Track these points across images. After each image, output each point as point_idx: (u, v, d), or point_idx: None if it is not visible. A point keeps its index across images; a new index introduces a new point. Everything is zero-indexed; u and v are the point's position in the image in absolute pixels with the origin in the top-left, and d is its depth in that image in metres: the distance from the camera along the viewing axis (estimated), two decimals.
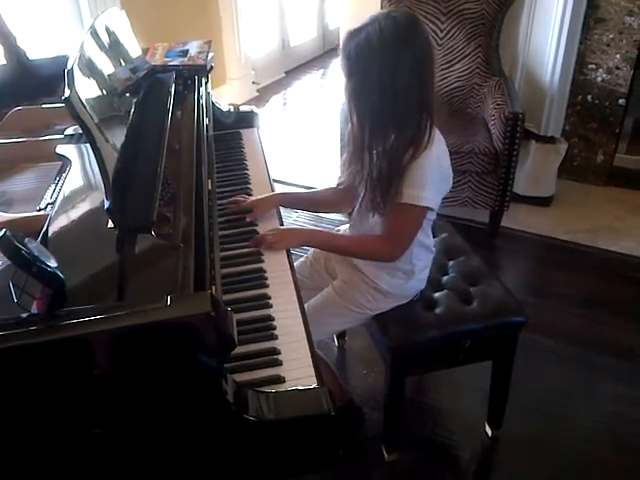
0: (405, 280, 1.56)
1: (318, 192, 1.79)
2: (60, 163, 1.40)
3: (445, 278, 1.72)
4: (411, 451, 1.77)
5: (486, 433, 1.82)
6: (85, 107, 1.09)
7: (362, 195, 1.49)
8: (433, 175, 1.37)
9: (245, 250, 1.41)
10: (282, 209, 1.63)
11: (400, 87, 1.29)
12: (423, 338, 1.55)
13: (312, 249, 1.76)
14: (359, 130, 1.38)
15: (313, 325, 1.23)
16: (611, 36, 2.92)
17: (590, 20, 2.92)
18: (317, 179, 3.16)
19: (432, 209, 1.43)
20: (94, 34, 1.42)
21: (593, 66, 3.01)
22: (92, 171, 1.30)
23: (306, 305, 1.41)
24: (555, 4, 2.82)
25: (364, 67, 1.30)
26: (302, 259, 1.76)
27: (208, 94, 1.80)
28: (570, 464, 1.75)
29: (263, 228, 1.50)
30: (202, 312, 0.84)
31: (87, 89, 1.18)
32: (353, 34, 1.31)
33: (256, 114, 2.07)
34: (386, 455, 1.73)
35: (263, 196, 1.60)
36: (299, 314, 1.22)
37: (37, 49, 1.88)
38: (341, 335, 2.15)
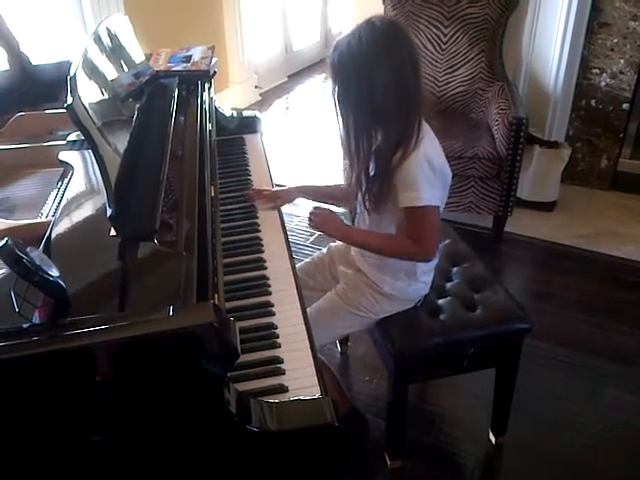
0: (408, 283, 1.55)
1: (332, 186, 1.83)
2: (62, 169, 1.39)
3: (449, 284, 1.71)
4: (414, 458, 1.75)
5: (490, 440, 1.80)
6: (88, 113, 1.08)
7: (357, 196, 1.50)
8: (424, 174, 1.37)
9: (248, 257, 1.41)
10: (285, 212, 1.67)
11: (379, 92, 1.32)
12: (427, 345, 1.54)
13: (317, 252, 1.79)
14: (346, 135, 1.42)
15: (316, 329, 1.23)
16: (615, 40, 2.91)
17: (594, 24, 2.91)
18: (320, 184, 3.15)
19: (436, 206, 1.42)
20: (97, 40, 1.42)
21: (597, 71, 3.00)
22: (94, 178, 1.29)
23: (309, 309, 1.42)
24: (559, 8, 2.81)
25: (344, 74, 1.35)
26: (308, 259, 1.77)
27: (211, 99, 1.80)
28: (574, 472, 1.74)
29: (265, 231, 1.52)
30: (205, 323, 0.83)
31: (90, 95, 1.17)
32: (337, 44, 1.36)
33: (259, 119, 2.06)
34: (389, 462, 1.72)
35: (285, 187, 1.74)
36: (302, 322, 1.21)
37: (40, 54, 1.88)
38: (344, 341, 2.14)
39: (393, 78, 1.32)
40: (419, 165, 1.36)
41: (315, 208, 1.58)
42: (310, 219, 1.56)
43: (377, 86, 1.31)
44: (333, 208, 1.63)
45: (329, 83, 1.41)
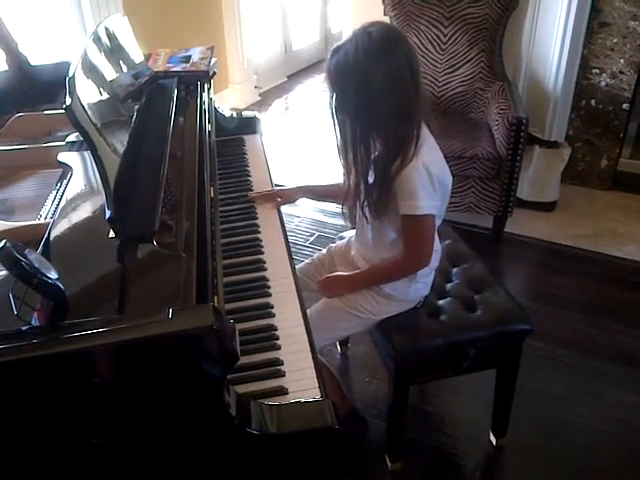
0: (408, 283, 1.55)
1: (333, 185, 1.78)
2: (61, 170, 1.39)
3: (449, 285, 1.70)
4: (414, 460, 1.75)
5: (490, 442, 1.80)
6: (87, 114, 1.08)
7: (356, 204, 1.49)
8: (423, 183, 1.37)
9: (248, 258, 1.41)
10: (285, 212, 1.67)
11: (376, 100, 1.31)
12: (427, 346, 1.53)
13: (317, 253, 1.78)
14: (343, 145, 1.41)
15: (316, 331, 1.22)
16: (615, 40, 2.90)
17: (594, 24, 2.91)
18: (322, 183, 3.14)
19: (433, 215, 1.43)
20: (96, 40, 1.41)
21: (597, 70, 2.99)
22: (94, 179, 1.29)
23: (309, 310, 1.42)
24: (559, 8, 2.81)
25: (341, 83, 1.34)
26: (308, 260, 1.77)
27: (211, 100, 1.79)
28: (574, 473, 1.73)
29: (265, 232, 1.51)
30: (204, 325, 0.82)
31: (89, 96, 1.17)
32: (334, 51, 1.35)
33: (259, 120, 2.06)
34: (389, 464, 1.71)
35: (287, 187, 1.77)
36: (302, 323, 1.21)
37: (39, 55, 1.88)
38: (344, 342, 2.13)
39: (391, 86, 1.31)
40: (418, 174, 1.36)
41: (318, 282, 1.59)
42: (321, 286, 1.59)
43: (375, 94, 1.30)
44: (335, 206, 1.63)
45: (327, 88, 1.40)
